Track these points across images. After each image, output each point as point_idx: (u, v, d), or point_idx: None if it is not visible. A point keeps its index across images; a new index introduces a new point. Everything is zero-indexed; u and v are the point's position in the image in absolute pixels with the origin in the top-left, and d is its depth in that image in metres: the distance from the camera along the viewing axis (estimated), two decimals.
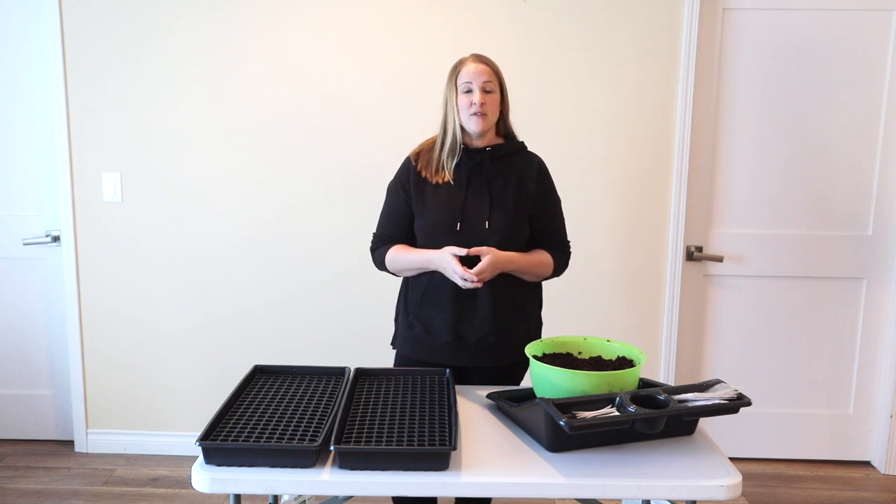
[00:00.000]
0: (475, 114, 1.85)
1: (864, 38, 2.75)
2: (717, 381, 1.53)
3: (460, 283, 1.78)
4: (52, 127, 2.88)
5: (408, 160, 1.99)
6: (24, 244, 2.96)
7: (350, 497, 1.49)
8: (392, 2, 2.74)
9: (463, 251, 1.77)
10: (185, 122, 2.82)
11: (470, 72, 1.86)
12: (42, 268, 3.01)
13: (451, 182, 1.89)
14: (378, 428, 1.46)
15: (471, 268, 1.77)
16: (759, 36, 2.76)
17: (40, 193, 2.96)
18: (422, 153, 1.97)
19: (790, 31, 2.75)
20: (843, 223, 2.86)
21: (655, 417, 1.39)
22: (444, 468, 1.35)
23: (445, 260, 1.80)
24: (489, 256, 1.77)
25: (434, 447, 1.37)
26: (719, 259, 2.85)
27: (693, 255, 2.87)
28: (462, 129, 1.89)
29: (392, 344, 2.05)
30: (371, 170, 2.79)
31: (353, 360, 2.81)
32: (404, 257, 1.92)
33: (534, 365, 1.58)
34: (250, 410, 1.53)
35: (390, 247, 1.96)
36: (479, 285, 1.77)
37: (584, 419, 1.34)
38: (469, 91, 1.85)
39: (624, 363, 1.63)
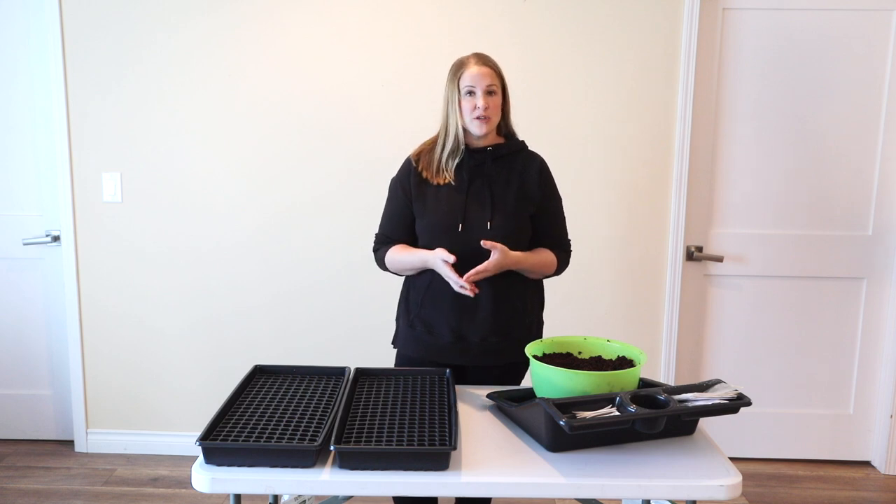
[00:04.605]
0: (478, 118, 1.85)
1: (864, 38, 2.75)
2: (717, 381, 1.53)
3: (456, 289, 1.80)
4: (52, 127, 2.88)
5: (408, 161, 1.99)
6: (24, 244, 2.96)
7: (350, 497, 1.49)
8: (392, 1, 2.74)
9: (452, 258, 1.77)
10: (186, 121, 2.82)
11: (473, 75, 1.85)
12: (42, 268, 3.01)
13: (452, 183, 1.89)
14: (378, 428, 1.46)
15: (474, 266, 1.77)
16: (759, 36, 2.76)
17: (40, 193, 2.96)
18: (422, 154, 1.97)
19: (790, 31, 2.75)
20: (843, 223, 2.86)
21: (655, 417, 1.39)
22: (444, 468, 1.35)
23: (438, 265, 1.81)
24: (497, 256, 1.77)
25: (434, 447, 1.37)
26: (719, 259, 2.85)
27: (693, 255, 2.87)
28: (464, 130, 1.89)
29: (393, 343, 2.05)
30: (371, 169, 2.79)
31: (353, 360, 2.81)
32: (401, 258, 1.93)
33: (534, 365, 1.58)
34: (250, 410, 1.53)
35: (390, 247, 1.96)
36: (472, 294, 1.78)
37: (584, 419, 1.34)
38: (472, 94, 1.85)
39: (624, 363, 1.63)
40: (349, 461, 1.35)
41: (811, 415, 2.98)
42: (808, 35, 2.75)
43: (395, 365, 2.03)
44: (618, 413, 1.38)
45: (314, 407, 1.56)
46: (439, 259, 1.80)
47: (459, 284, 1.78)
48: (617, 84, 2.76)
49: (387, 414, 1.53)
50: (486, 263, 1.78)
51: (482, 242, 1.77)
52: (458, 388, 1.81)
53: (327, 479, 1.33)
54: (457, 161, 1.90)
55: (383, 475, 1.33)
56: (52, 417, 3.10)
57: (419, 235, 1.94)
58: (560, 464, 1.39)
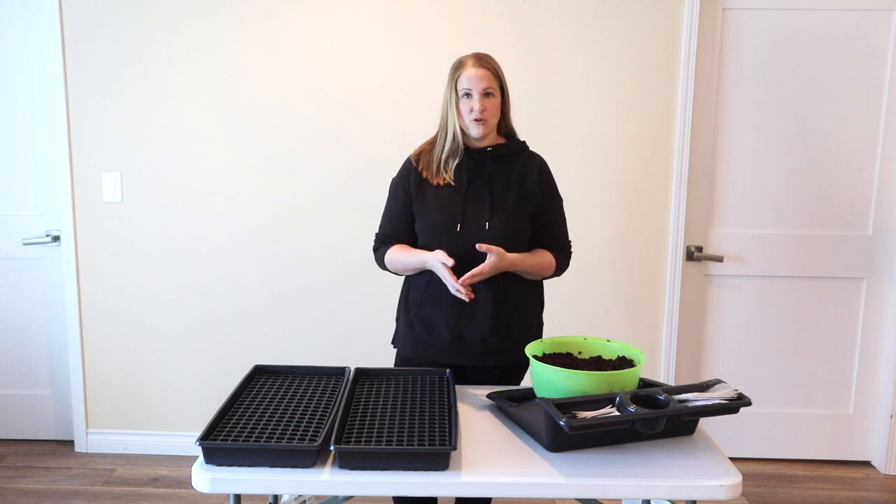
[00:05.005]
0: (475, 120, 1.85)
1: (864, 38, 2.75)
2: (717, 381, 1.53)
3: (453, 292, 1.80)
4: (52, 127, 2.88)
5: (408, 161, 1.99)
6: (24, 244, 2.96)
7: (350, 497, 1.49)
8: (392, 1, 2.73)
9: (451, 261, 1.77)
10: (186, 121, 2.82)
11: (470, 77, 1.84)
12: (42, 268, 3.01)
13: (452, 183, 1.89)
14: (378, 428, 1.46)
15: (472, 266, 1.78)
16: (759, 36, 2.76)
17: (40, 193, 2.96)
18: (422, 154, 1.97)
19: (790, 31, 2.75)
20: (843, 223, 2.86)
21: (655, 417, 1.39)
22: (444, 468, 1.35)
23: (437, 267, 1.81)
24: (493, 259, 1.78)
25: (434, 447, 1.37)
26: (719, 259, 2.85)
27: (693, 255, 2.87)
28: (463, 131, 1.89)
29: (392, 342, 2.05)
30: (371, 169, 2.80)
31: (353, 360, 2.81)
32: (400, 258, 1.93)
33: (534, 365, 1.58)
34: (250, 410, 1.53)
35: (390, 247, 1.96)
36: (467, 299, 1.78)
37: (584, 419, 1.34)
38: (469, 96, 1.85)
39: (624, 363, 1.63)
40: (349, 461, 1.35)
41: (811, 415, 2.98)
42: (808, 35, 2.75)
43: (395, 365, 2.03)
44: (618, 413, 1.38)
45: (314, 407, 1.56)
46: (438, 261, 1.80)
47: (455, 288, 1.78)
48: (617, 84, 2.76)
49: (387, 414, 1.53)
50: (481, 266, 1.78)
51: (477, 245, 1.77)
52: (458, 388, 1.81)
53: (327, 479, 1.33)
54: (456, 161, 1.90)
55: (383, 475, 1.33)
56: (52, 417, 3.10)
57: (419, 235, 1.94)
58: (560, 464, 1.39)
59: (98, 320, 2.96)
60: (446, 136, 1.90)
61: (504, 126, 1.96)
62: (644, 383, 1.62)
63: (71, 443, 3.09)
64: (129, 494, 2.69)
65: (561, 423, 1.33)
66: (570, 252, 2.02)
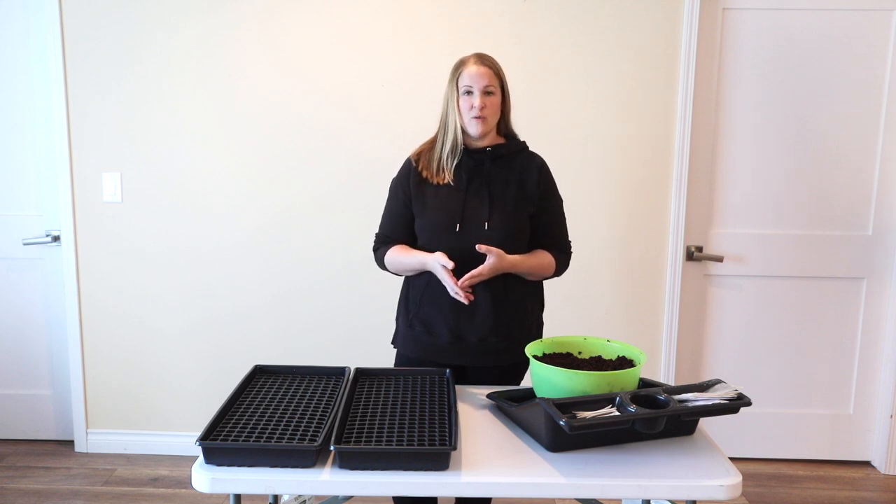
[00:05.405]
0: (475, 117, 1.85)
1: (864, 38, 2.75)
2: (717, 381, 1.53)
3: (452, 294, 1.80)
4: (52, 127, 2.88)
5: (408, 161, 1.99)
6: (24, 244, 2.96)
7: (350, 497, 1.49)
8: (392, 1, 2.73)
9: (451, 263, 1.77)
10: (186, 121, 2.82)
11: (471, 74, 1.85)
12: (42, 268, 3.01)
13: (451, 183, 1.89)
14: (378, 428, 1.46)
15: (473, 268, 1.78)
16: (759, 36, 2.76)
17: (40, 193, 2.96)
18: (422, 154, 1.97)
19: (790, 31, 2.75)
20: (843, 223, 2.86)
21: (655, 417, 1.39)
22: (444, 468, 1.35)
23: (436, 269, 1.81)
24: (493, 260, 1.78)
25: (434, 447, 1.37)
26: (719, 259, 2.85)
27: (693, 255, 2.87)
28: (463, 130, 1.90)
29: (392, 343, 2.05)
30: (371, 169, 2.80)
31: (353, 360, 2.81)
32: (400, 259, 1.93)
33: (534, 365, 1.58)
34: (250, 410, 1.53)
35: (390, 247, 1.96)
36: (466, 301, 1.78)
37: (584, 419, 1.34)
38: (470, 93, 1.85)
39: (624, 363, 1.63)
40: (349, 461, 1.35)
41: (811, 415, 2.98)
42: (808, 35, 2.75)
43: (395, 365, 2.03)
44: (618, 413, 1.38)
45: (314, 407, 1.56)
46: (437, 264, 1.80)
47: (455, 291, 1.78)
48: (617, 84, 2.76)
49: (387, 414, 1.53)
50: (481, 268, 1.78)
51: (477, 246, 1.77)
52: (458, 388, 1.81)
53: (327, 479, 1.33)
54: (456, 161, 1.90)
55: (383, 475, 1.33)
56: (52, 417, 3.10)
57: (418, 235, 1.94)
58: (560, 464, 1.39)
59: (98, 320, 2.96)
60: (446, 133, 1.90)
61: (504, 126, 1.96)
62: (644, 383, 1.62)
63: (71, 443, 3.09)
64: (129, 494, 2.69)
65: (561, 423, 1.33)
66: (570, 252, 2.02)
